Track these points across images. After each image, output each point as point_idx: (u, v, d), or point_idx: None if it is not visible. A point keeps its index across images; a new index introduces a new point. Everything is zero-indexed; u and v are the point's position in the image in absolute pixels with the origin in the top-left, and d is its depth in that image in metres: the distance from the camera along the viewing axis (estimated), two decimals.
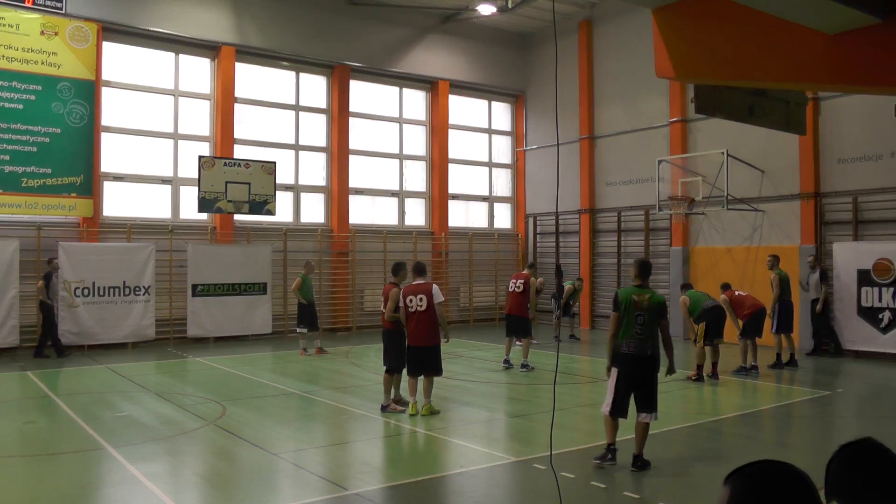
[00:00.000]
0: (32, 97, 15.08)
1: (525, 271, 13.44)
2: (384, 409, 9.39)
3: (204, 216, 17.46)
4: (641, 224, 19.09)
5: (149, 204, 17.07)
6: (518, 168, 23.04)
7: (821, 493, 1.66)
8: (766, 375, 12.14)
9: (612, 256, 19.87)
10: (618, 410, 6.90)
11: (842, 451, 1.81)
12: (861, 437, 1.82)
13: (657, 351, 6.91)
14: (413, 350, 9.13)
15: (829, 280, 14.32)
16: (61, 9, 15.44)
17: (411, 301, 9.09)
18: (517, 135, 23.13)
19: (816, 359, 14.15)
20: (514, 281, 13.10)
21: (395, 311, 9.33)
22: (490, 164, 22.84)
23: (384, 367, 9.60)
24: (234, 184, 16.80)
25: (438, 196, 21.12)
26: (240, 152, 17.79)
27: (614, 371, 6.96)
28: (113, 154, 16.61)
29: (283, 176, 18.40)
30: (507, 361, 13.05)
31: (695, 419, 9.24)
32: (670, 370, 7.14)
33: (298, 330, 14.98)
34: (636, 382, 6.88)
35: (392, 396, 9.54)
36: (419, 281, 9.28)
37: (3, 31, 14.82)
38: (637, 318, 6.83)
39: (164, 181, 17.29)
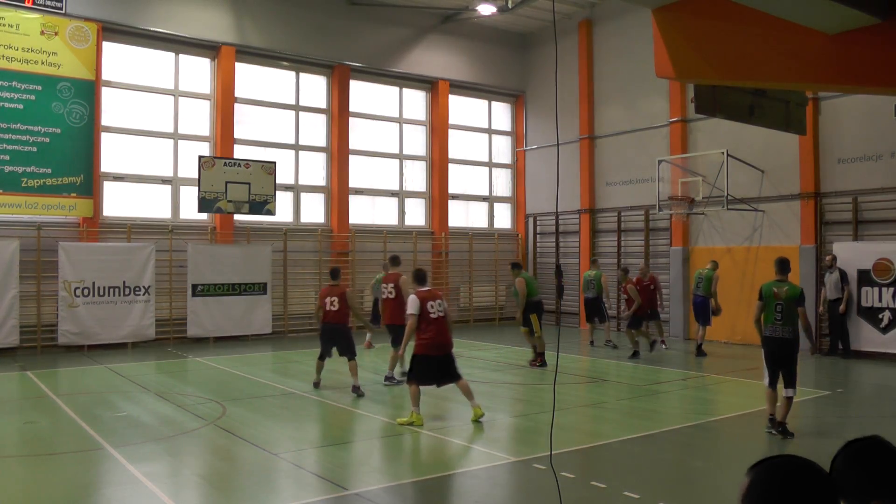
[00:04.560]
0: (32, 97, 15.08)
1: (393, 271, 11.88)
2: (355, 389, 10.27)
3: (204, 216, 17.46)
4: (641, 224, 19.09)
5: (149, 204, 17.07)
6: (518, 168, 23.04)
7: None
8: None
9: (612, 256, 19.85)
10: (771, 383, 8.10)
11: (847, 447, 1.81)
12: (867, 435, 1.82)
13: (796, 334, 8.05)
14: (436, 359, 8.74)
15: (848, 281, 14.09)
16: (61, 9, 15.44)
17: (432, 307, 8.73)
18: (517, 135, 23.13)
19: (820, 358, 14.15)
20: (385, 285, 11.65)
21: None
22: (490, 164, 22.84)
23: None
24: (234, 184, 16.79)
25: (438, 196, 21.12)
26: (240, 152, 17.79)
27: (763, 351, 8.20)
28: (113, 154, 16.60)
29: (283, 176, 18.40)
30: (389, 377, 11.43)
31: (695, 419, 9.24)
32: (814, 349, 8.29)
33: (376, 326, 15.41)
34: (778, 361, 8.03)
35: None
36: (425, 288, 9.01)
37: (3, 31, 14.82)
38: (776, 306, 8.07)
39: (164, 181, 17.29)
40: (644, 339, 14.94)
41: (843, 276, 14.09)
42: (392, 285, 11.46)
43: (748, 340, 15.46)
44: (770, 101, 7.34)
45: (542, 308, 13.54)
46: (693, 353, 14.62)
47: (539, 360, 13.17)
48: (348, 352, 10.66)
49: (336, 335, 10.77)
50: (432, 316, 8.68)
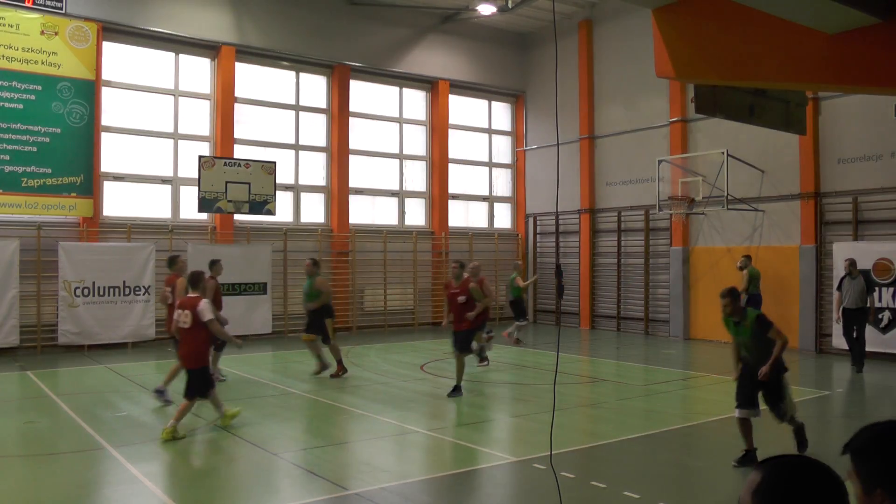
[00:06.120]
0: (32, 97, 15.08)
1: (171, 273, 10.50)
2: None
3: (204, 216, 17.46)
4: (641, 224, 19.09)
5: (149, 204, 17.06)
6: (518, 168, 23.04)
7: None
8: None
9: (612, 256, 19.86)
10: None
11: (866, 430, 1.76)
12: (887, 420, 1.78)
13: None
14: (188, 371, 8.28)
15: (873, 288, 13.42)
16: (61, 9, 15.43)
17: (178, 316, 8.15)
18: (517, 135, 23.13)
19: (818, 357, 14.14)
20: (166, 288, 10.41)
21: None
22: (490, 164, 22.84)
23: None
24: (234, 184, 16.79)
25: (438, 196, 21.12)
26: (240, 152, 17.79)
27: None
28: (113, 154, 16.60)
29: (283, 176, 18.40)
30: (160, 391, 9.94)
31: (695, 419, 9.24)
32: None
33: (520, 322, 16.02)
34: None
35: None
36: (192, 294, 8.18)
37: (3, 31, 14.81)
38: None
39: (164, 181, 17.29)
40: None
41: (869, 284, 13.11)
42: (170, 289, 10.31)
43: None
44: (770, 101, 7.34)
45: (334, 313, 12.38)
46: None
47: (339, 368, 11.92)
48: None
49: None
50: (180, 325, 8.15)
